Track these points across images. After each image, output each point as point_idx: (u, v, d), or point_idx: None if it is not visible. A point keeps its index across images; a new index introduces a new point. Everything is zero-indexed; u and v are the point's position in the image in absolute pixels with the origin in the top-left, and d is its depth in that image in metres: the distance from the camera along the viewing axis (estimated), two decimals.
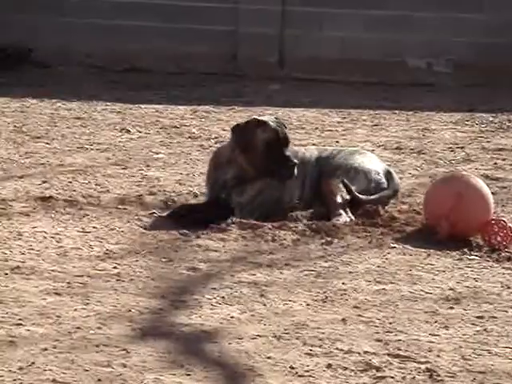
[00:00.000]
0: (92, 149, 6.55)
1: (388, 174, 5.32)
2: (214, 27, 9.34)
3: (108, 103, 7.96)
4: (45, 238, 4.76)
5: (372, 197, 5.15)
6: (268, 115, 5.33)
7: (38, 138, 6.81)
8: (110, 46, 9.28)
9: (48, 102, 7.93)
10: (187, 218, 4.99)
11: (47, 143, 6.68)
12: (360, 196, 5.11)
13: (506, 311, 4.04)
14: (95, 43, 9.29)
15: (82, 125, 7.25)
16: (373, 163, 5.34)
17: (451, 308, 4.06)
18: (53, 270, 4.35)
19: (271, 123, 5.05)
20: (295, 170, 4.99)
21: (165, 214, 5.10)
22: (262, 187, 5.07)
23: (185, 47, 9.33)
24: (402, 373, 3.47)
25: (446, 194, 4.91)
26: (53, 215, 5.10)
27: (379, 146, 6.84)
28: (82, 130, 7.07)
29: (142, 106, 7.89)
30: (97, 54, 9.26)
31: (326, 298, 4.13)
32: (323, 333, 3.77)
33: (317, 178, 5.22)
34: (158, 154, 6.50)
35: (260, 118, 5.17)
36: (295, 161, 4.99)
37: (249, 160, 5.01)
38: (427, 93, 8.76)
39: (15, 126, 7.10)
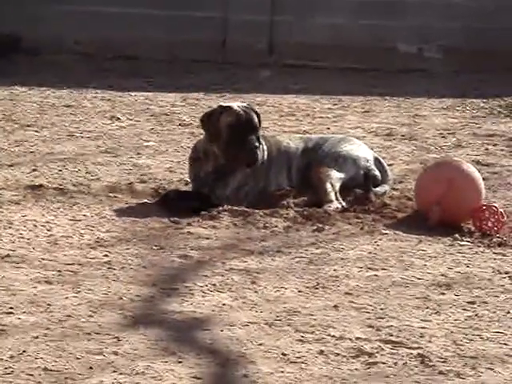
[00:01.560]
0: (82, 137, 6.53)
1: (378, 162, 5.32)
2: (203, 14, 9.31)
3: (98, 91, 7.94)
4: (35, 226, 4.75)
5: (381, 189, 5.15)
6: (240, 102, 5.29)
7: (28, 126, 6.78)
8: (99, 34, 9.24)
9: (37, 90, 7.90)
10: (176, 204, 4.98)
11: (37, 131, 6.65)
12: (374, 189, 5.10)
13: (498, 296, 4.04)
14: (85, 31, 9.25)
15: (71, 113, 7.22)
16: (361, 150, 5.34)
17: (443, 294, 4.07)
18: (43, 259, 4.33)
19: (235, 107, 5.02)
20: (258, 154, 4.96)
21: (155, 202, 5.09)
22: (244, 178, 5.06)
23: (174, 34, 9.29)
24: (394, 358, 3.47)
25: (437, 180, 4.90)
26: (43, 203, 5.08)
27: (370, 132, 6.83)
28: (71, 118, 7.04)
29: (132, 94, 7.87)
30: (86, 42, 9.23)
31: (318, 284, 4.13)
32: (315, 319, 3.77)
33: (304, 167, 5.20)
34: (148, 141, 6.48)
35: (226, 103, 5.14)
36: (256, 144, 4.95)
37: (218, 147, 5.00)
38: (418, 79, 8.76)
39: (4, 115, 7.07)
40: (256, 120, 5.04)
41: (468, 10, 9.19)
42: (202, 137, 5.25)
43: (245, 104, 5.16)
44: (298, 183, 5.19)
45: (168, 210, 4.94)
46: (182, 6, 9.34)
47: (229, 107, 5.05)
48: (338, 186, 5.13)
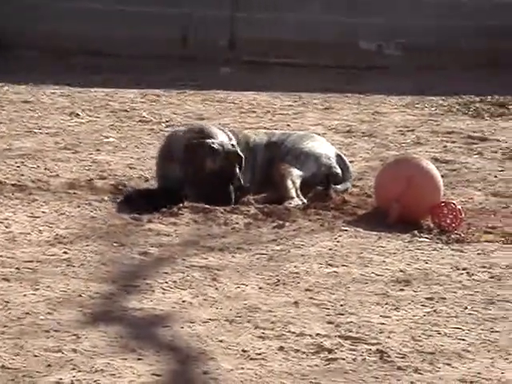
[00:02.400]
0: (41, 133, 6.48)
1: (340, 159, 5.34)
2: (164, 10, 9.28)
3: (56, 87, 7.87)
4: None
5: (342, 187, 5.17)
6: (225, 135, 5.12)
7: None
8: (57, 29, 9.16)
9: None
10: (139, 203, 4.96)
11: None
12: (335, 187, 5.11)
13: (455, 292, 4.08)
14: (45, 25, 9.17)
15: (30, 108, 7.16)
16: (323, 147, 5.36)
17: (401, 290, 4.10)
18: (1, 256, 4.29)
19: (222, 153, 4.94)
20: (233, 200, 4.94)
21: (117, 200, 5.06)
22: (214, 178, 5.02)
23: (135, 30, 9.25)
24: (353, 354, 3.49)
25: (397, 177, 4.94)
26: (1, 200, 5.04)
27: (330, 129, 6.86)
28: (30, 114, 6.98)
29: (92, 90, 7.82)
30: (46, 37, 9.14)
31: (278, 281, 4.14)
32: (275, 316, 3.78)
33: (267, 162, 5.21)
34: (108, 138, 6.45)
35: (213, 144, 4.97)
36: (233, 194, 4.94)
37: (194, 178, 4.96)
38: (378, 76, 8.81)
39: None
40: (238, 169, 4.99)
41: (427, 8, 9.26)
42: (178, 135, 5.16)
43: (230, 145, 5.02)
44: (260, 178, 5.20)
45: (130, 209, 4.91)
46: (143, 1, 9.30)
47: (216, 152, 4.95)
48: (298, 182, 5.15)
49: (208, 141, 5.02)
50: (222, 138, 5.07)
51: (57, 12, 9.16)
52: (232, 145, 5.09)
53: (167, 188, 5.06)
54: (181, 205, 4.93)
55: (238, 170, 5.02)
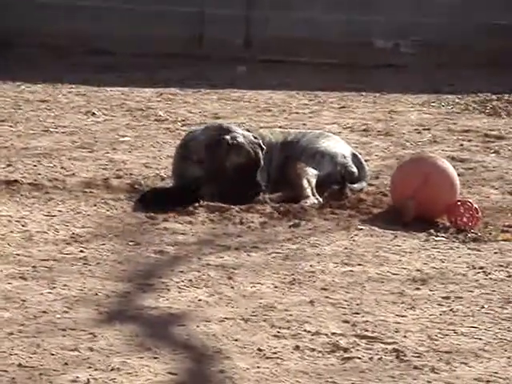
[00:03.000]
0: (57, 132, 6.50)
1: (355, 158, 5.34)
2: (179, 8, 9.29)
3: (73, 86, 7.90)
4: (10, 221, 4.72)
5: (358, 186, 5.16)
6: (243, 129, 5.14)
7: (2, 121, 6.74)
8: (72, 28, 9.20)
9: (12, 85, 7.86)
10: (155, 202, 4.97)
11: (11, 126, 6.61)
12: (351, 186, 5.10)
13: (472, 291, 4.07)
14: (58, 24, 9.20)
15: (46, 108, 7.18)
16: (339, 146, 5.35)
17: (418, 289, 4.09)
18: (18, 254, 4.31)
19: (246, 146, 4.95)
20: (262, 192, 4.96)
21: (134, 199, 5.07)
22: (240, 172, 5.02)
23: (150, 29, 9.27)
24: (370, 353, 3.48)
25: (413, 176, 4.93)
26: (18, 199, 5.06)
27: (346, 128, 6.85)
28: (46, 113, 7.01)
29: (108, 89, 7.84)
30: (59, 36, 9.17)
31: (294, 280, 4.14)
32: (291, 315, 3.78)
33: (283, 161, 5.21)
34: (124, 136, 6.46)
35: (235, 138, 4.97)
36: (263, 187, 4.96)
37: (218, 176, 4.97)
38: (394, 74, 8.80)
39: None
40: (262, 158, 5.00)
41: (443, 6, 9.24)
42: (195, 134, 5.16)
43: (251, 136, 5.04)
44: (275, 178, 5.20)
45: (147, 208, 4.92)
46: (161, 0, 9.32)
47: (238, 145, 4.96)
48: (314, 181, 5.15)
49: (227, 136, 5.02)
50: (241, 133, 5.07)
51: (65, 10, 9.18)
52: (254, 136, 5.08)
53: (183, 187, 5.07)
54: (197, 204, 4.93)
55: (261, 160, 5.02)
